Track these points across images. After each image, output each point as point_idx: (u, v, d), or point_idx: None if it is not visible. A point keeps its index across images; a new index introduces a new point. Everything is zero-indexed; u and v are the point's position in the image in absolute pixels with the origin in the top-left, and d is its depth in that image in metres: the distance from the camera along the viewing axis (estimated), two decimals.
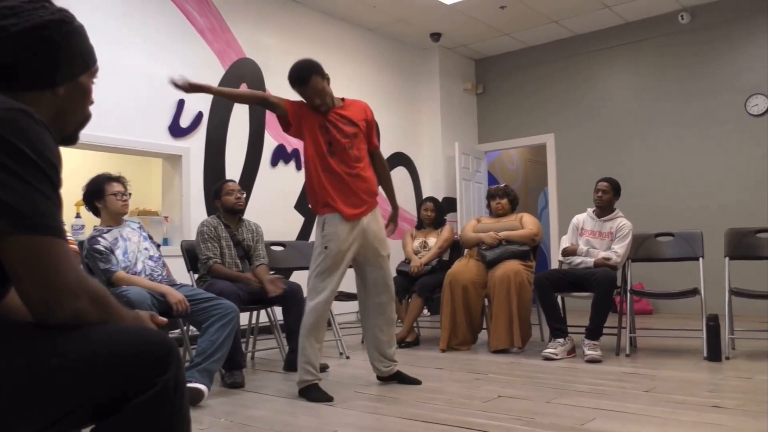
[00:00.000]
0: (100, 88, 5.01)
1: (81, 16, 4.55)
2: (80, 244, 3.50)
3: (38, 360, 0.94)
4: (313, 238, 6.08)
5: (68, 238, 3.05)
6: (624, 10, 6.88)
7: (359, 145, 3.27)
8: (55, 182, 1.00)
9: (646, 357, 4.11)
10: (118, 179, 3.59)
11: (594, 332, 4.07)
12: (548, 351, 4.11)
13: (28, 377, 0.93)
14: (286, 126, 3.30)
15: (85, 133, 4.68)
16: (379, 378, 3.47)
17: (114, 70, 4.89)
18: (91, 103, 1.24)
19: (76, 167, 5.49)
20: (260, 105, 3.43)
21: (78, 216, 4.97)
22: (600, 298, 4.08)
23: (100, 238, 3.40)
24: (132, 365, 0.99)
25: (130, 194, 3.63)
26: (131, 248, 3.49)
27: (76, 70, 1.17)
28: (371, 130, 3.39)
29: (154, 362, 1.01)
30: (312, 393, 3.11)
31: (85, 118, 1.24)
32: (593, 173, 6.51)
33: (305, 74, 3.15)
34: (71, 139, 1.24)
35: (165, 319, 1.25)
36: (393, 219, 3.55)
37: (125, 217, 3.64)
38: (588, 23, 7.26)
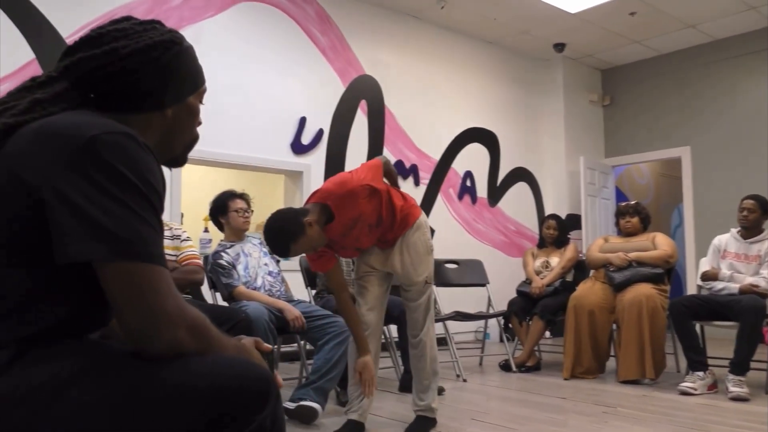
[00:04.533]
0: (227, 107, 5.23)
1: (209, 39, 4.76)
2: (205, 258, 3.62)
3: (135, 391, 0.91)
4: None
5: (192, 252, 3.16)
6: None
7: (367, 230, 2.75)
8: (156, 208, 0.98)
9: None
10: (242, 196, 3.69)
11: (739, 367, 3.67)
12: (686, 385, 3.75)
13: (124, 408, 0.90)
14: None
15: (212, 151, 4.85)
16: None
17: (241, 90, 5.09)
18: (199, 123, 1.22)
19: (206, 183, 5.75)
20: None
21: (206, 230, 5.18)
22: (747, 328, 3.68)
23: (223, 253, 3.50)
24: (231, 400, 0.94)
25: (252, 211, 3.73)
26: (252, 264, 3.56)
27: (184, 92, 1.15)
28: (360, 193, 2.63)
29: (253, 398, 0.95)
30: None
31: (193, 139, 1.21)
32: (734, 189, 5.96)
33: (283, 247, 2.55)
34: (179, 161, 1.22)
35: (270, 347, 1.19)
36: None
37: (248, 233, 3.73)
38: (729, 27, 6.69)
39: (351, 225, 2.67)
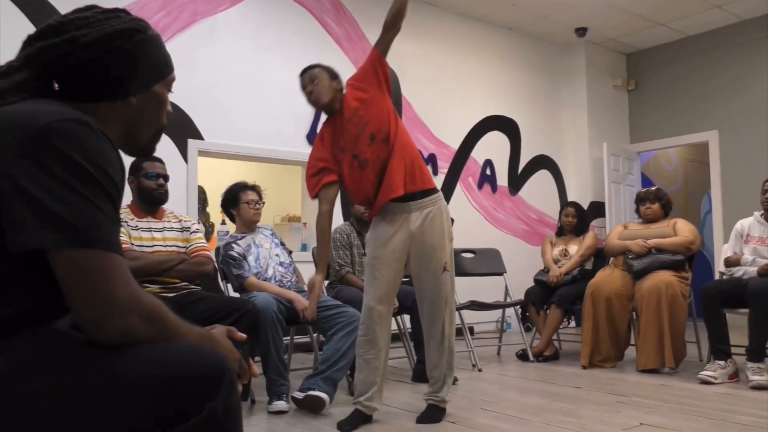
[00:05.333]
0: (243, 99, 5.24)
1: (223, 32, 4.79)
2: (217, 249, 3.65)
3: (84, 380, 0.91)
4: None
5: (201, 244, 3.18)
6: None
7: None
8: (112, 195, 0.97)
9: None
10: (253, 188, 3.71)
11: (756, 353, 3.56)
12: (706, 373, 3.66)
13: (75, 398, 0.90)
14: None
15: (229, 144, 4.89)
16: None
17: (256, 82, 5.10)
18: (168, 112, 1.22)
19: (225, 176, 5.80)
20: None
21: (223, 222, 5.22)
22: (757, 312, 3.56)
23: (234, 245, 3.52)
24: (180, 388, 0.93)
25: (263, 203, 3.74)
26: (263, 255, 3.58)
27: (150, 80, 1.15)
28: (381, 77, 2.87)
29: (204, 385, 0.95)
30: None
31: (160, 128, 1.21)
32: (764, 174, 5.78)
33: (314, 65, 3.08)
34: (147, 150, 1.22)
35: (243, 336, 1.19)
36: None
37: (259, 225, 3.75)
38: (757, 6, 6.47)
39: (357, 112, 2.81)
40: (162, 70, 1.17)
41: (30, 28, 1.13)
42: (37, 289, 0.99)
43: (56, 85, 1.10)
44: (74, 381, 0.91)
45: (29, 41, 1.10)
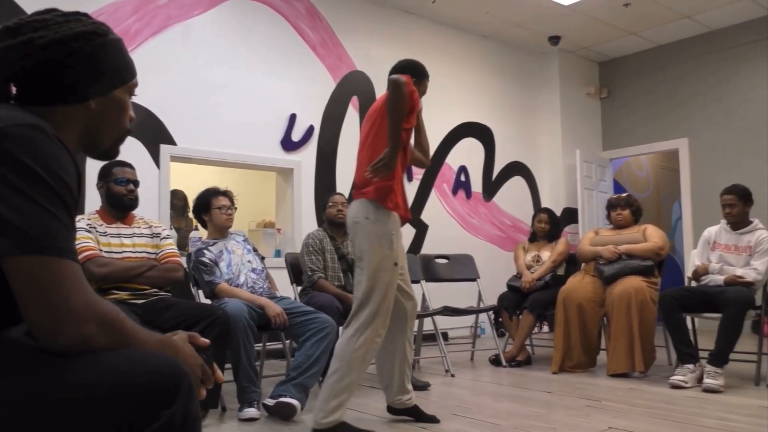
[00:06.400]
0: (217, 105, 5.21)
1: (198, 37, 4.76)
2: (188, 255, 3.62)
3: (37, 390, 0.90)
4: (424, 250, 6.05)
5: (172, 250, 3.15)
6: None
7: None
8: (66, 201, 0.96)
9: None
10: (225, 193, 3.68)
11: (718, 358, 3.63)
12: (676, 378, 3.71)
13: (27, 408, 0.88)
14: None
15: (203, 149, 4.86)
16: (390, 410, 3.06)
17: (230, 87, 5.08)
18: (131, 118, 1.21)
19: (198, 181, 5.76)
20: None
21: (196, 228, 5.18)
22: (729, 319, 3.64)
23: (205, 251, 3.49)
24: (136, 396, 0.92)
25: (235, 208, 3.71)
26: (235, 261, 3.55)
27: (109, 84, 1.13)
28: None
29: (160, 393, 0.94)
30: None
31: (123, 132, 1.20)
32: (732, 181, 5.84)
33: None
34: (109, 154, 1.21)
35: (206, 341, 1.18)
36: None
37: (231, 230, 3.72)
38: (726, 17, 6.61)
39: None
40: (123, 74, 1.16)
41: None
42: None
43: (13, 88, 1.08)
44: (27, 389, 0.90)
45: None
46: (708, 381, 3.54)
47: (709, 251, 4.13)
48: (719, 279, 3.90)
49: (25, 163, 0.92)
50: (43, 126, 0.97)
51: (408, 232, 6.18)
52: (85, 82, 1.10)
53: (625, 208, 4.55)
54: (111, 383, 0.92)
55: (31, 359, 0.94)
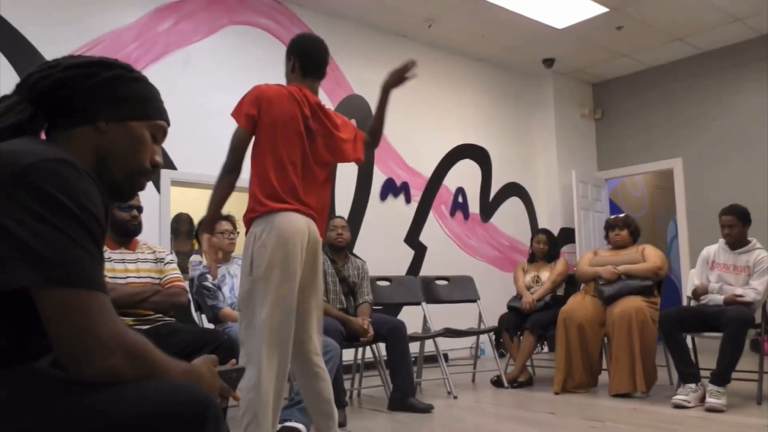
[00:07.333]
0: (216, 130, 5.20)
1: (197, 63, 4.80)
2: (191, 280, 3.62)
3: (64, 420, 0.91)
4: (423, 272, 6.06)
5: (176, 275, 3.16)
6: (757, 22, 6.31)
7: None
8: (94, 233, 0.98)
9: None
10: (227, 218, 3.70)
11: (720, 377, 3.64)
12: (679, 398, 3.71)
13: None
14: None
15: (203, 173, 4.85)
16: None
17: (229, 112, 5.10)
18: (154, 161, 1.19)
19: (203, 205, 5.77)
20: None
21: (197, 252, 5.19)
22: (729, 338, 3.66)
23: (208, 275, 3.50)
24: (163, 427, 0.93)
25: (238, 233, 3.73)
26: (237, 285, 3.56)
27: (123, 112, 1.14)
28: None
29: (187, 424, 0.95)
30: None
31: (138, 168, 1.17)
32: (727, 200, 5.93)
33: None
34: (122, 188, 1.17)
35: (234, 361, 1.20)
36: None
37: (234, 254, 3.73)
38: (716, 39, 6.73)
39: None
40: (142, 108, 1.17)
41: (2, 61, 1.15)
42: (18, 329, 0.99)
43: (40, 109, 1.11)
44: (54, 419, 0.91)
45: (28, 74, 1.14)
46: (711, 400, 3.56)
47: (708, 271, 4.17)
48: (719, 298, 3.92)
49: (55, 196, 0.94)
50: (72, 160, 0.99)
51: (407, 254, 6.20)
52: (97, 103, 1.12)
53: (624, 229, 4.59)
54: (138, 414, 0.93)
55: (58, 389, 0.95)
